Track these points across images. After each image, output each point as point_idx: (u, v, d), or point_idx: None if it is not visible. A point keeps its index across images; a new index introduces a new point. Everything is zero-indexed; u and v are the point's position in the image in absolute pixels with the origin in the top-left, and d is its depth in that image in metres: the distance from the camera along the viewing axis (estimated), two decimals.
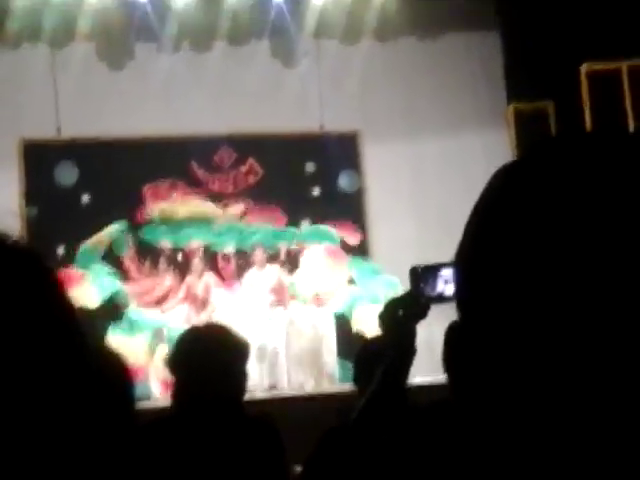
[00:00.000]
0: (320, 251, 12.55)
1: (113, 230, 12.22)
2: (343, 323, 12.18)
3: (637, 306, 0.76)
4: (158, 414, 3.56)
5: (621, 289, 0.77)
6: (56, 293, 0.95)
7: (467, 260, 0.87)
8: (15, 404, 0.86)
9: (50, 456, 0.89)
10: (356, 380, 4.40)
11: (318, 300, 12.22)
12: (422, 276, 2.62)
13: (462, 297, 0.88)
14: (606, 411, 0.77)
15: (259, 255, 12.36)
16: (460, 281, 0.88)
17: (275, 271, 12.39)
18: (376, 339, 5.04)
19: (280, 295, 12.19)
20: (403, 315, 2.67)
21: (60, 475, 0.90)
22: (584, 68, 12.31)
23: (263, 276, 12.27)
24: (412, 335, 2.69)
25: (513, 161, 0.89)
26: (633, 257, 0.77)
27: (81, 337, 0.96)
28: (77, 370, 0.93)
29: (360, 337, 10.73)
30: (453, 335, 3.50)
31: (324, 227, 12.87)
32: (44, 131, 12.64)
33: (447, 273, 2.62)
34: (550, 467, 0.79)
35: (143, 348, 11.36)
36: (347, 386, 5.98)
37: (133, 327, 11.65)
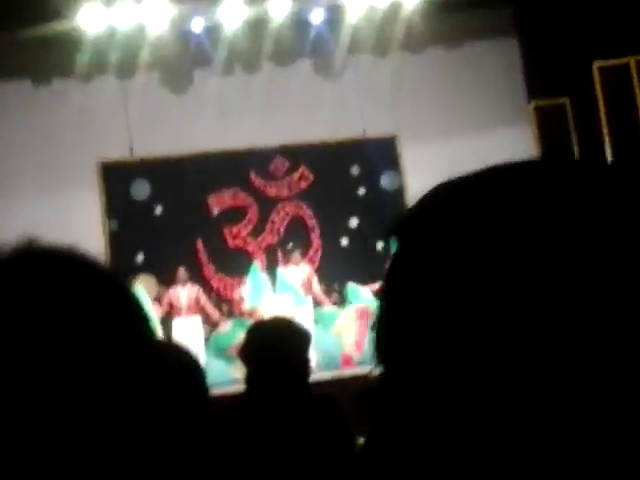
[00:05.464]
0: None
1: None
2: None
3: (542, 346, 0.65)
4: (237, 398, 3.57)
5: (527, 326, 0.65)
6: (130, 309, 0.93)
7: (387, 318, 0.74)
8: (94, 399, 0.85)
9: (134, 445, 0.88)
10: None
11: None
12: None
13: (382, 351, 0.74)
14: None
15: (296, 256, 12.53)
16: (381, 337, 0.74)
17: (307, 269, 12.56)
18: None
19: (307, 288, 12.33)
20: None
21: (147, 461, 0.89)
22: (595, 65, 12.20)
23: (297, 272, 12.44)
24: None
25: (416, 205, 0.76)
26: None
27: (151, 342, 0.94)
28: (149, 369, 0.92)
29: None
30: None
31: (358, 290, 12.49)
32: (118, 152, 12.74)
33: None
34: None
35: None
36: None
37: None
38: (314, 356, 11.56)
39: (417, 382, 0.69)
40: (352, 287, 12.27)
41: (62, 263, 0.89)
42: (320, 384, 9.36)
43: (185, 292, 12.11)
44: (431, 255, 0.70)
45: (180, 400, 2.20)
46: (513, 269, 0.66)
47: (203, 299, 12.20)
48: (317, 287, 12.41)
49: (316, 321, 12.07)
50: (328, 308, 12.26)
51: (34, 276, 0.87)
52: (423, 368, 0.68)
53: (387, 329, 0.73)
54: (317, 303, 12.40)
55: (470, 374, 0.66)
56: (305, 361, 3.44)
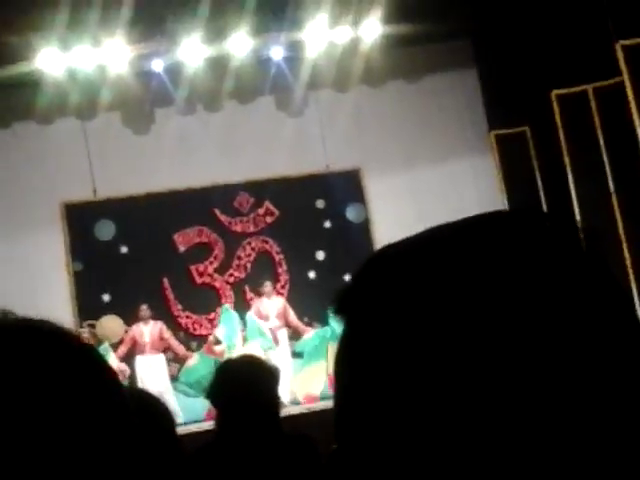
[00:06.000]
0: None
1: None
2: None
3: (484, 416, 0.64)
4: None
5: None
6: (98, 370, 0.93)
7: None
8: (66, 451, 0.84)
9: None
10: None
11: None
12: None
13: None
14: None
15: (268, 287, 12.53)
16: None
17: (281, 300, 12.59)
18: None
19: (283, 319, 12.35)
20: None
21: None
22: (554, 93, 12.33)
23: (271, 304, 12.45)
24: None
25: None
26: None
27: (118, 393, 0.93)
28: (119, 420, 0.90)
29: None
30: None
31: None
32: (82, 193, 12.67)
33: None
34: None
35: None
36: None
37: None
38: (296, 389, 11.59)
39: (369, 464, 0.68)
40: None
41: (34, 335, 0.88)
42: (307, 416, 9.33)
43: (148, 328, 12.06)
44: (378, 333, 0.69)
45: (148, 451, 2.16)
46: (459, 343, 0.65)
47: (167, 334, 12.13)
48: (294, 316, 12.34)
49: (297, 354, 12.05)
50: (309, 334, 12.19)
51: (7, 350, 0.86)
52: (376, 452, 0.67)
53: (342, 409, 0.72)
54: (297, 334, 12.34)
55: (422, 454, 0.65)
56: (274, 397, 3.42)
